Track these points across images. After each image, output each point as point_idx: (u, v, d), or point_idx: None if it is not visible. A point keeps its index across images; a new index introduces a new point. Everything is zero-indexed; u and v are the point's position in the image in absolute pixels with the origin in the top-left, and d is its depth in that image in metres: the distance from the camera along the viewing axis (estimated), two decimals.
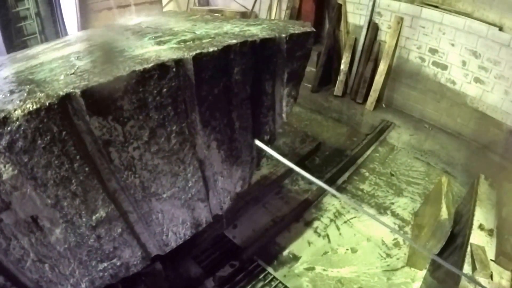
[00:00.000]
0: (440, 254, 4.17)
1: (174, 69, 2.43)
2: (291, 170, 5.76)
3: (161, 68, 2.37)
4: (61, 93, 2.04)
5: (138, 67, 2.29)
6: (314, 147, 6.49)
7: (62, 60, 2.72)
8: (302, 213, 5.37)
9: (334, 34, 8.48)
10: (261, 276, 4.46)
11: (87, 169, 2.26)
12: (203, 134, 2.84)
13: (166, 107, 2.50)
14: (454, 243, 4.17)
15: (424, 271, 4.45)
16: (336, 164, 6.33)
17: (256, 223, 5.18)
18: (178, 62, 2.46)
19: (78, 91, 2.06)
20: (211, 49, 2.61)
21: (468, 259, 3.68)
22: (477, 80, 6.69)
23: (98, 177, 2.36)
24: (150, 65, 2.32)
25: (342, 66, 8.43)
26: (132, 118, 2.36)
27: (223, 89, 2.82)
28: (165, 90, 2.44)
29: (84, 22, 7.98)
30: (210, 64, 2.64)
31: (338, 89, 8.50)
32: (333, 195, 5.35)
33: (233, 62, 2.80)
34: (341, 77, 8.44)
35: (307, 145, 6.54)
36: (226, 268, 4.45)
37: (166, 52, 2.55)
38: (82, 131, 2.19)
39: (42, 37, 7.20)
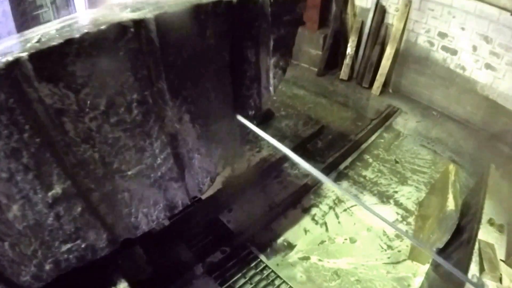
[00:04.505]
0: (444, 248, 3.95)
1: (132, 30, 2.23)
2: None
3: (117, 28, 2.17)
4: (10, 58, 1.88)
5: (92, 29, 2.10)
6: (317, 130, 6.29)
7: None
8: (300, 199, 5.17)
9: (340, 17, 8.19)
10: (252, 264, 4.29)
11: (37, 140, 2.08)
12: (172, 105, 2.62)
13: (123, 72, 2.28)
14: (461, 237, 3.91)
15: (427, 266, 4.21)
16: (339, 148, 6.10)
17: (252, 207, 4.99)
18: (139, 23, 2.26)
19: (25, 55, 1.90)
20: (176, 9, 2.39)
21: (475, 257, 3.38)
22: (488, 66, 6.41)
23: (52, 150, 2.18)
24: (104, 26, 2.13)
25: (348, 50, 8.16)
26: (86, 85, 2.17)
27: (193, 53, 2.58)
28: (122, 53, 2.23)
29: (92, 7, 8.18)
30: (176, 25, 2.42)
31: (344, 72, 8.24)
32: (325, 182, 5.12)
33: (205, 23, 2.57)
34: (347, 61, 8.17)
35: (309, 128, 6.35)
36: (217, 254, 4.28)
37: (131, 15, 2.35)
38: (33, 99, 2.01)
39: None
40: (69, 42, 2.02)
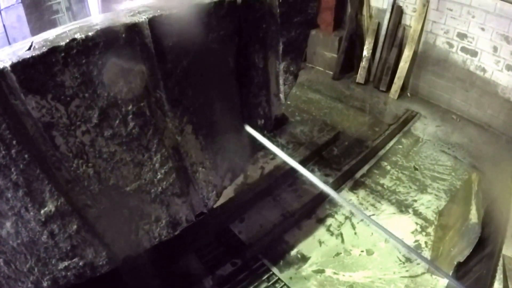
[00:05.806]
0: (466, 261, 3.75)
1: (123, 35, 2.08)
2: (305, 160, 5.45)
3: (107, 34, 2.02)
4: None
5: (79, 35, 1.95)
6: (333, 137, 6.13)
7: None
8: (315, 209, 5.01)
9: (356, 18, 8.02)
10: (264, 277, 4.14)
11: (26, 156, 1.95)
12: (172, 115, 2.45)
13: (117, 82, 2.13)
14: (483, 250, 3.71)
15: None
16: (356, 155, 5.92)
17: (265, 217, 4.85)
18: (132, 28, 2.11)
19: (7, 65, 1.77)
20: (174, 11, 2.23)
21: (499, 275, 3.18)
22: (509, 67, 6.18)
23: (42, 166, 2.04)
24: (93, 32, 1.98)
25: (364, 52, 7.99)
26: (77, 96, 2.03)
27: (195, 59, 2.41)
28: (113, 61, 2.08)
29: (105, 12, 8.42)
30: (174, 30, 2.27)
31: (360, 76, 8.06)
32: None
33: (207, 27, 2.41)
34: (364, 64, 8.00)
35: (325, 134, 6.16)
36: (227, 266, 4.17)
37: (125, 19, 2.19)
38: (21, 112, 1.90)
39: None
40: (53, 50, 1.88)
